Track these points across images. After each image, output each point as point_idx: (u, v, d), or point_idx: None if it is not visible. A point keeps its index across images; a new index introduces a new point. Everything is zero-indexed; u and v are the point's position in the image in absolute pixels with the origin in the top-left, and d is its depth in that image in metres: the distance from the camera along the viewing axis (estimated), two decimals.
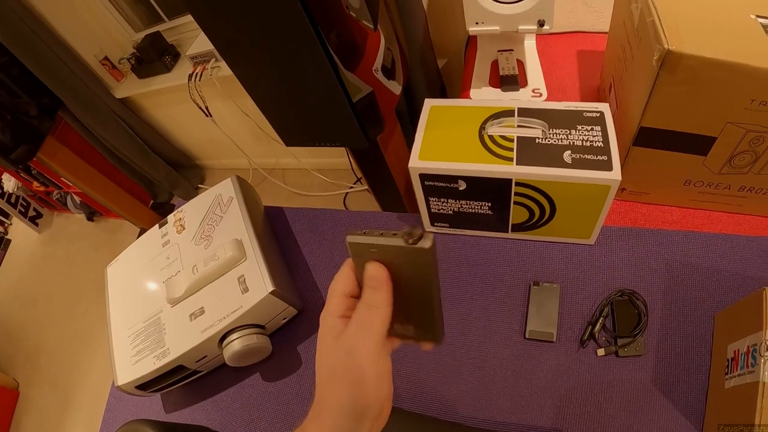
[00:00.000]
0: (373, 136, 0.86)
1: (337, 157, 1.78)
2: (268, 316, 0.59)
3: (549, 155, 0.56)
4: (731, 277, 0.58)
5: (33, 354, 2.01)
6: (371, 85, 0.81)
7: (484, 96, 0.94)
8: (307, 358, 0.65)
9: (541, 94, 0.91)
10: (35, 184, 2.15)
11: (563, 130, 0.58)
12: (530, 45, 0.98)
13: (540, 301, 0.61)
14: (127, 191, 1.98)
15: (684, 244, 0.62)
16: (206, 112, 1.63)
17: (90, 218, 2.32)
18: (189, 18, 1.61)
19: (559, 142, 0.57)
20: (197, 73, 1.47)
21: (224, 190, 0.71)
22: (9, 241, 2.57)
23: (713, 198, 0.72)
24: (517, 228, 0.66)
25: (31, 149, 1.60)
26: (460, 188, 0.61)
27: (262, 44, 0.70)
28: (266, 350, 0.60)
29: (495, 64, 0.96)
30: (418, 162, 0.59)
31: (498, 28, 0.78)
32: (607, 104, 0.59)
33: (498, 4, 0.76)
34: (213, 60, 1.49)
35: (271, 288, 0.57)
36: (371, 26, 0.79)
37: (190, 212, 0.70)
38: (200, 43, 1.52)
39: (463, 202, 0.63)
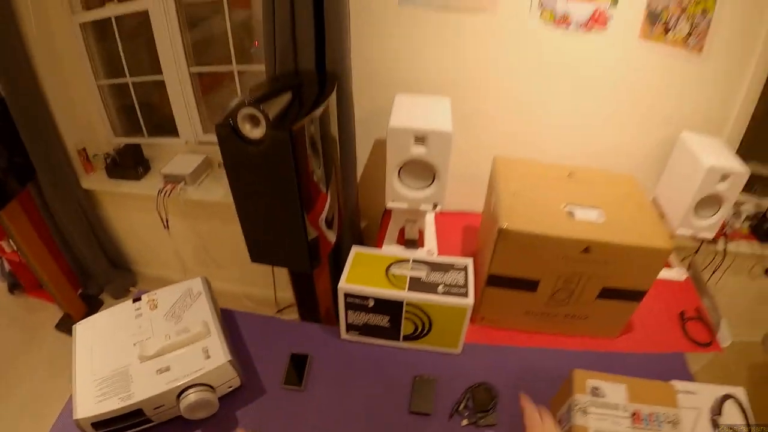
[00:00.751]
0: (314, 266, 1.16)
1: (264, 288, 1.96)
2: (220, 380, 0.78)
3: (429, 288, 0.89)
4: (561, 378, 0.80)
5: None
6: (317, 231, 1.13)
7: (392, 251, 1.29)
8: (245, 422, 0.81)
9: (434, 254, 1.29)
10: None
11: (440, 273, 0.92)
12: (430, 218, 1.41)
13: (421, 387, 0.87)
14: (64, 274, 2.00)
15: (527, 354, 0.95)
16: (165, 224, 1.83)
17: (11, 290, 2.19)
18: (166, 140, 1.90)
19: (436, 281, 0.90)
20: (167, 190, 1.72)
21: (195, 285, 0.94)
22: None
23: (547, 323, 1.06)
24: (407, 338, 0.94)
25: None
26: (370, 305, 0.90)
27: (263, 193, 1.00)
28: (214, 406, 0.76)
29: (402, 230, 1.36)
30: (345, 284, 0.89)
31: (407, 205, 1.17)
32: (471, 259, 0.95)
33: (408, 189, 1.16)
34: (182, 183, 1.76)
35: (229, 357, 0.77)
36: (324, 190, 1.15)
37: (162, 296, 0.91)
38: (175, 164, 1.79)
39: (371, 315, 0.92)
